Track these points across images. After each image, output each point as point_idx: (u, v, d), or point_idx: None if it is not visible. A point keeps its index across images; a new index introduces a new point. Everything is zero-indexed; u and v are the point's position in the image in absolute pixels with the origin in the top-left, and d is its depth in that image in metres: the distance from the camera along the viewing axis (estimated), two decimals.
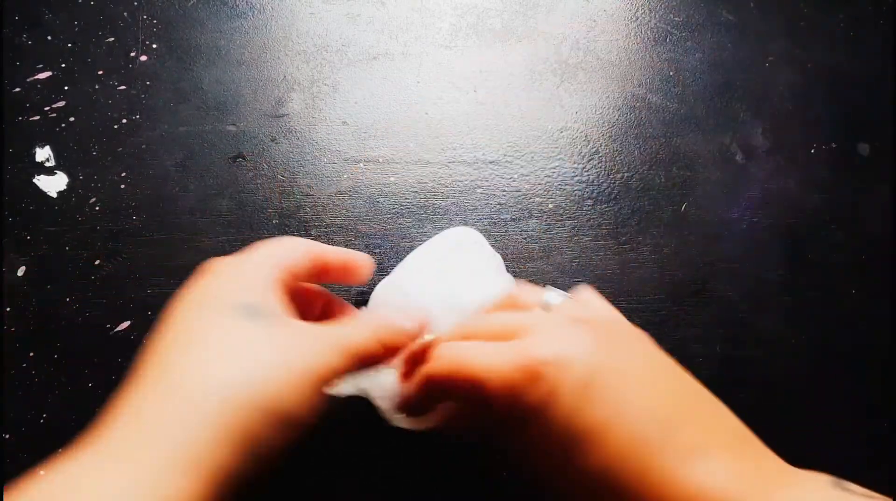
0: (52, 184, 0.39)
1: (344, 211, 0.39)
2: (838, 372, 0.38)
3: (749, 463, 0.23)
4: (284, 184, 0.39)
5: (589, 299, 0.31)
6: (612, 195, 0.40)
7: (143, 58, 0.41)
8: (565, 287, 0.38)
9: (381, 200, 0.39)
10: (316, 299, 0.33)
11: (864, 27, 0.44)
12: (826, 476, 0.24)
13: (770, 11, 0.44)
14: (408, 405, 0.29)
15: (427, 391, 0.27)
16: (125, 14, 0.42)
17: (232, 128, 0.40)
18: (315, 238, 0.38)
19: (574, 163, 0.41)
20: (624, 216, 0.40)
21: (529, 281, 0.38)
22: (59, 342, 0.36)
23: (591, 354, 0.25)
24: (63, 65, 0.41)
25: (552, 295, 0.30)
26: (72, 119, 0.40)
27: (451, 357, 0.26)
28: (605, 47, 0.43)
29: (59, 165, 0.39)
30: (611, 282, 0.39)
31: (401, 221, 0.39)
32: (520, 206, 0.40)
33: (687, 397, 0.25)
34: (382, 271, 0.38)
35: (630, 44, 0.43)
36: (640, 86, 0.42)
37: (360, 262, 0.31)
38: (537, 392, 0.24)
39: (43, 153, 0.39)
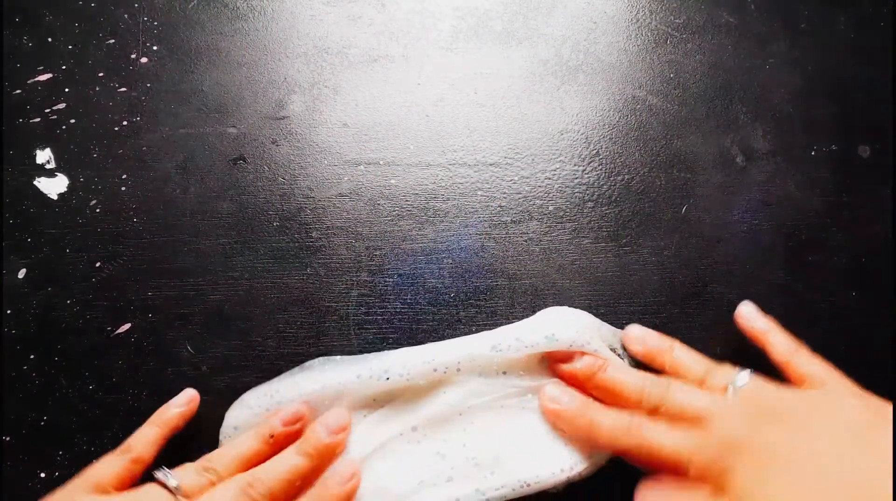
0: (53, 186, 0.39)
1: (344, 213, 0.39)
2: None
3: None
4: (285, 186, 0.39)
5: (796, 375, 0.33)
6: (613, 198, 0.40)
7: (144, 60, 0.41)
8: (566, 289, 0.38)
9: (382, 202, 0.39)
10: None
11: (865, 29, 0.44)
12: None
13: (770, 14, 0.44)
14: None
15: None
16: (126, 16, 0.42)
17: (232, 130, 0.40)
18: (316, 240, 0.38)
19: (574, 165, 0.41)
20: (624, 219, 0.40)
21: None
22: (60, 345, 0.36)
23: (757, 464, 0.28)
24: (63, 67, 0.41)
25: (741, 376, 0.32)
26: (72, 121, 0.40)
27: (640, 439, 0.31)
28: (606, 49, 0.43)
29: (60, 168, 0.39)
30: (611, 284, 0.39)
31: (401, 223, 0.39)
32: (520, 208, 0.40)
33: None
34: (384, 273, 0.38)
35: (630, 46, 0.43)
36: (640, 88, 0.42)
37: (188, 405, 0.34)
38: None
39: (43, 155, 0.39)
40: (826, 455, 0.27)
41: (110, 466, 0.30)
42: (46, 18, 0.41)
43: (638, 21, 0.44)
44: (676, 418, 0.31)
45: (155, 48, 0.41)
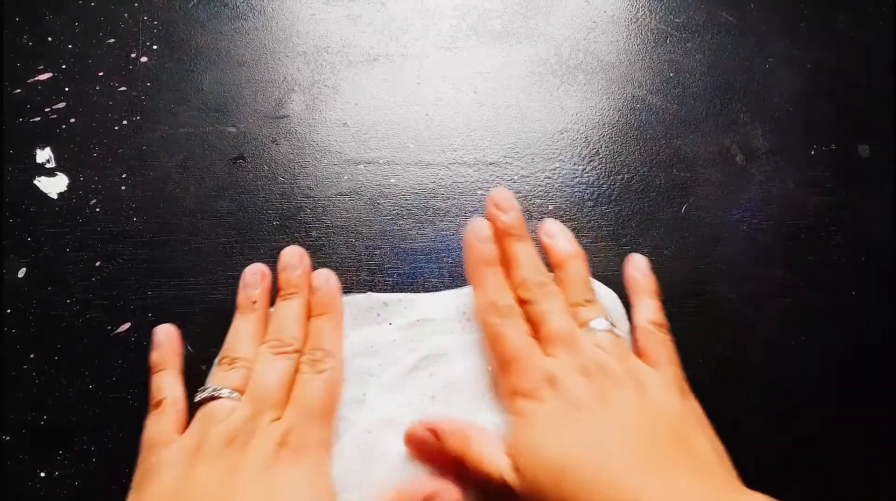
0: (53, 185, 0.39)
1: (344, 212, 0.39)
2: (838, 374, 0.38)
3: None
4: (285, 185, 0.39)
5: (644, 337, 0.33)
6: (612, 197, 0.40)
7: (144, 59, 0.41)
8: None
9: (382, 201, 0.39)
10: None
11: (865, 28, 0.44)
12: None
13: (770, 13, 0.44)
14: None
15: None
16: (126, 15, 0.42)
17: (232, 129, 0.40)
18: (315, 239, 0.38)
19: (574, 164, 0.41)
20: (624, 218, 0.40)
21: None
22: (60, 344, 0.36)
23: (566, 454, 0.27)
24: (63, 66, 0.41)
25: (600, 322, 0.32)
26: (72, 120, 0.40)
27: (500, 323, 0.31)
28: (606, 49, 0.43)
29: (60, 167, 0.39)
30: (611, 284, 0.39)
31: (401, 222, 0.39)
32: (520, 207, 0.40)
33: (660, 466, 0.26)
34: (384, 272, 0.38)
35: (630, 45, 0.43)
36: (640, 87, 0.42)
37: (168, 338, 0.34)
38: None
39: (43, 155, 0.39)
40: (609, 438, 0.27)
41: (160, 422, 0.30)
42: (46, 17, 0.41)
43: (637, 20, 0.44)
44: (534, 325, 0.31)
45: (155, 47, 0.41)
